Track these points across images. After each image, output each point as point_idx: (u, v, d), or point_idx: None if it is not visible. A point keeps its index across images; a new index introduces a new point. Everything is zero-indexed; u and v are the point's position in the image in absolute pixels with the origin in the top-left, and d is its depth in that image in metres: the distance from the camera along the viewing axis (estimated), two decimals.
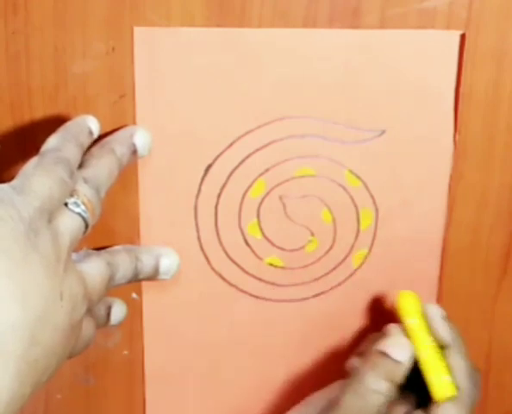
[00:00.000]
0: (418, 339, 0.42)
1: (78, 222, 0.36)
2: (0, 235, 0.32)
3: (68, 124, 0.39)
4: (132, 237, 0.45)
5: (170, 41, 0.41)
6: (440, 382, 0.41)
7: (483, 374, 0.49)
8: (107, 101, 0.42)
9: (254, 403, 0.48)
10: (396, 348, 0.42)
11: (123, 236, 0.45)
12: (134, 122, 0.43)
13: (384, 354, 0.42)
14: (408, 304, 0.43)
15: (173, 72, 0.42)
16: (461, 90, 0.42)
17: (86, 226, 0.37)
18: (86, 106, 0.42)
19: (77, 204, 0.36)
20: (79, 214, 0.36)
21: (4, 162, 0.43)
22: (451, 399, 0.41)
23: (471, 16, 0.41)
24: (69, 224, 0.36)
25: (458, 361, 0.42)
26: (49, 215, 0.34)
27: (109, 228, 0.45)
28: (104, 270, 0.39)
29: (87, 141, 0.39)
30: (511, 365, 0.49)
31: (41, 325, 0.32)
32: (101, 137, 0.42)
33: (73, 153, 0.38)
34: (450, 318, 0.47)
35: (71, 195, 0.36)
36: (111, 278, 0.40)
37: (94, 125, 0.40)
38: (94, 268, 0.38)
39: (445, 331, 0.43)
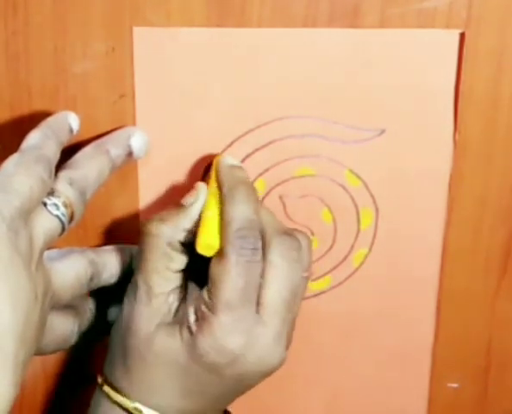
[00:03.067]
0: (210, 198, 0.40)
1: (55, 225, 0.36)
2: None
3: (49, 120, 0.39)
4: (132, 237, 0.45)
5: (169, 41, 0.41)
6: (202, 235, 0.39)
7: (483, 373, 0.49)
8: (107, 101, 0.42)
9: (252, 402, 0.48)
10: (186, 195, 0.40)
11: (123, 236, 0.45)
12: (134, 122, 0.43)
13: (174, 204, 0.40)
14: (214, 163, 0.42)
15: (173, 72, 0.42)
16: (461, 89, 0.42)
17: (63, 228, 0.37)
18: (86, 106, 0.42)
19: (56, 207, 0.36)
20: (57, 216, 0.36)
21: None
22: (216, 251, 0.38)
23: (470, 16, 0.41)
24: (45, 225, 0.36)
25: (227, 208, 0.39)
26: (27, 215, 0.34)
27: (109, 228, 0.45)
28: (83, 269, 0.39)
29: (67, 139, 0.39)
30: (511, 364, 0.49)
31: (27, 326, 0.33)
32: (100, 137, 0.42)
33: (53, 152, 0.37)
34: (449, 318, 0.47)
35: (53, 195, 0.36)
36: (95, 276, 0.40)
37: (74, 122, 0.40)
38: (69, 266, 0.38)
39: (221, 174, 0.40)
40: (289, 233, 0.39)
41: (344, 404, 0.50)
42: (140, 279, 0.39)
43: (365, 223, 0.45)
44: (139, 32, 0.41)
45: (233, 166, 0.41)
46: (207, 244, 0.38)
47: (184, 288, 0.40)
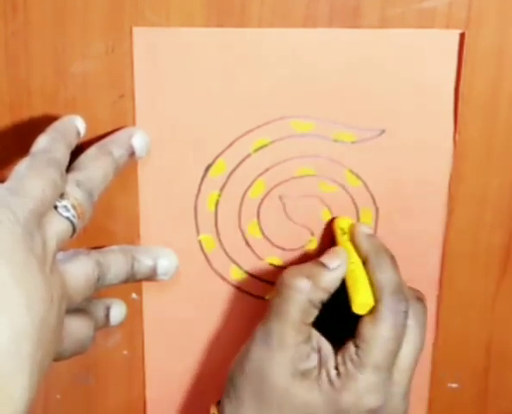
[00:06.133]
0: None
1: (66, 226, 0.36)
2: (0, 238, 0.32)
3: (56, 124, 0.39)
4: (132, 237, 0.45)
5: (169, 41, 0.41)
6: (358, 295, 0.40)
7: (483, 373, 0.49)
8: (106, 101, 0.42)
9: None
10: (326, 256, 0.42)
11: (123, 237, 0.45)
12: (134, 123, 0.43)
13: (314, 261, 0.42)
14: (341, 226, 0.44)
15: (173, 72, 0.42)
16: (461, 89, 0.42)
17: (74, 230, 0.37)
18: (86, 106, 0.42)
19: (66, 209, 0.36)
20: (68, 218, 0.36)
21: (4, 163, 0.43)
22: (369, 311, 0.40)
23: (470, 16, 0.41)
24: (57, 228, 0.36)
25: (378, 275, 0.41)
26: (40, 217, 0.35)
27: (108, 228, 0.45)
28: (91, 270, 0.39)
29: (75, 142, 0.39)
30: (511, 364, 0.49)
31: (43, 328, 0.32)
32: (100, 137, 0.42)
33: (63, 154, 0.38)
34: (449, 318, 0.47)
35: (62, 198, 0.37)
36: (100, 277, 0.40)
37: (81, 125, 0.40)
38: (79, 268, 0.38)
39: (363, 243, 0.42)
40: (420, 298, 0.42)
41: None
42: (274, 329, 0.40)
43: (365, 223, 0.45)
44: (139, 32, 0.41)
45: (371, 235, 0.43)
46: (363, 303, 0.40)
47: (310, 338, 0.41)
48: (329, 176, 0.44)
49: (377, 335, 0.39)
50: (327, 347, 0.41)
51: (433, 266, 0.46)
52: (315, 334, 0.42)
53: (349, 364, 0.40)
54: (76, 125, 0.40)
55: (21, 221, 0.33)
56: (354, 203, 0.45)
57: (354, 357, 0.40)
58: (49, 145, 0.37)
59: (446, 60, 0.42)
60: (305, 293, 0.40)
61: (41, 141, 0.38)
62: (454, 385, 0.49)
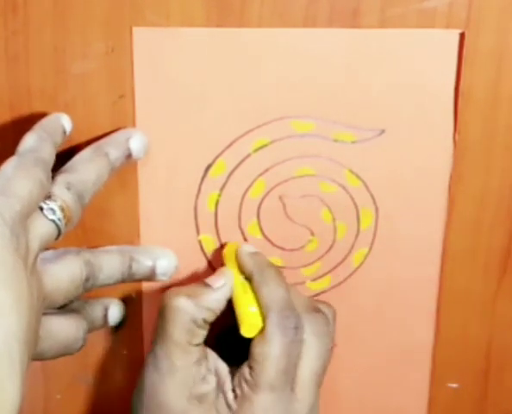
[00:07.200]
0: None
1: (51, 229, 0.36)
2: None
3: (43, 122, 0.39)
4: (132, 237, 0.45)
5: (169, 41, 0.41)
6: (244, 318, 0.40)
7: (483, 373, 0.49)
8: (106, 101, 0.42)
9: None
10: (211, 276, 0.42)
11: (123, 237, 0.45)
12: (134, 123, 0.43)
13: (198, 282, 0.42)
14: (228, 250, 0.44)
15: (173, 73, 0.42)
16: (461, 89, 0.42)
17: (59, 232, 0.36)
18: (85, 106, 0.42)
19: (52, 211, 0.36)
20: (53, 221, 0.36)
21: (3, 163, 0.43)
22: (259, 331, 0.39)
23: (470, 16, 0.41)
24: (41, 230, 0.35)
25: (263, 292, 0.40)
26: (26, 219, 0.34)
27: (108, 228, 0.45)
28: (78, 270, 0.38)
29: (61, 140, 0.39)
30: (511, 364, 0.49)
31: (29, 331, 0.32)
32: (99, 138, 0.42)
33: (50, 154, 0.37)
34: (449, 318, 0.47)
35: (50, 199, 0.36)
36: (90, 278, 0.39)
37: (67, 124, 0.40)
38: (62, 269, 0.38)
39: (247, 262, 0.42)
40: (317, 309, 0.42)
41: (344, 403, 0.50)
42: (160, 352, 0.40)
43: (365, 223, 0.46)
44: (139, 32, 0.41)
45: (254, 253, 0.43)
46: (250, 326, 0.40)
47: (204, 359, 0.41)
48: (329, 176, 0.44)
49: (266, 354, 0.39)
50: (223, 369, 0.41)
51: (433, 266, 0.46)
52: (212, 355, 0.41)
53: (244, 386, 0.39)
54: (62, 123, 0.40)
55: (9, 222, 0.33)
56: (354, 203, 0.45)
57: (248, 378, 0.39)
58: (36, 144, 0.37)
59: (446, 60, 0.42)
60: (186, 313, 0.40)
61: (28, 141, 0.37)
62: (454, 385, 0.49)
